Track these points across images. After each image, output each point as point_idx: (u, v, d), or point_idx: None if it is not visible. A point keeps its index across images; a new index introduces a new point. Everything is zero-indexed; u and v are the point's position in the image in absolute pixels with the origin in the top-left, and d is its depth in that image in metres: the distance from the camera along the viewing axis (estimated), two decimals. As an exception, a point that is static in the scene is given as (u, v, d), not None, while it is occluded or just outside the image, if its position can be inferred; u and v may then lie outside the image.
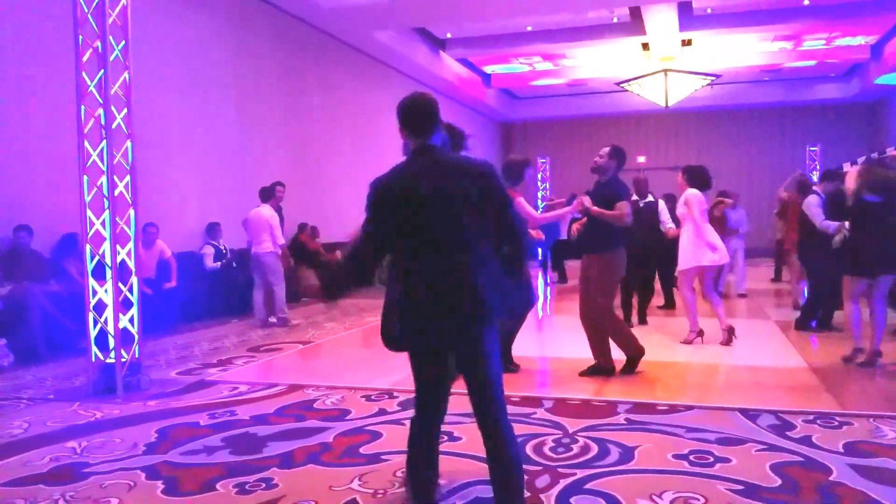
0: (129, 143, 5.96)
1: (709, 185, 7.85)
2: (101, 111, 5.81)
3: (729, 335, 7.52)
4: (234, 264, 10.48)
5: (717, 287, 9.80)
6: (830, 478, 3.74)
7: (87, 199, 5.81)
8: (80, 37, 5.78)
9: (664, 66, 16.57)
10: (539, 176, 23.06)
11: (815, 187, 8.53)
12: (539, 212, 8.72)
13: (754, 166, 22.29)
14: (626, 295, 8.83)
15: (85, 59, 5.81)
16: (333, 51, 14.25)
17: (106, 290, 5.83)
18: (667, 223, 9.00)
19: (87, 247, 5.82)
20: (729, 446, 4.25)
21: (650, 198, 9.23)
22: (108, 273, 5.81)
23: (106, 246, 5.82)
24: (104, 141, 5.79)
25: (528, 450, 4.22)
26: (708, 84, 17.03)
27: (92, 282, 5.82)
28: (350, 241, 3.39)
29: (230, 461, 4.15)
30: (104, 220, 5.82)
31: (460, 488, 3.64)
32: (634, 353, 6.21)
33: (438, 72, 17.27)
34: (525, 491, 3.01)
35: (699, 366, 6.82)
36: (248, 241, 9.45)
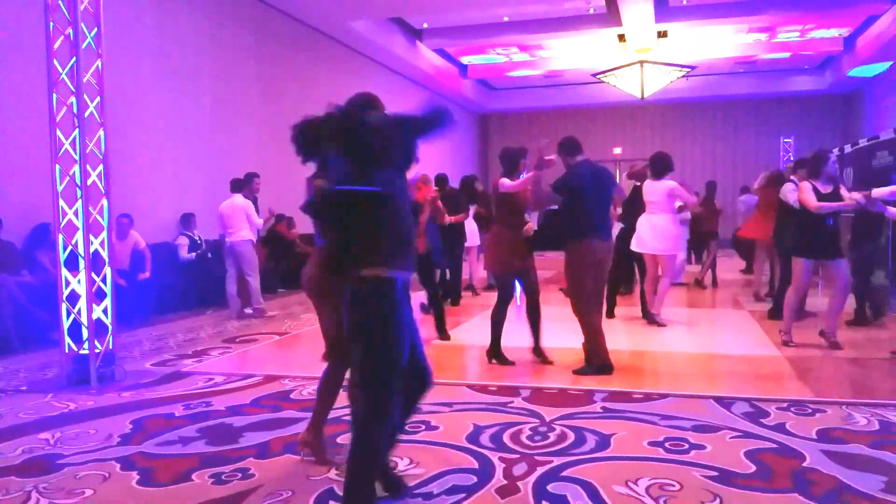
0: (101, 132, 5.89)
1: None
2: (73, 99, 5.72)
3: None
4: (209, 255, 10.41)
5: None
6: (804, 464, 3.79)
7: (60, 188, 5.73)
8: (52, 23, 5.69)
9: (640, 58, 16.62)
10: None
11: (791, 176, 8.64)
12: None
13: (728, 158, 22.48)
14: (612, 288, 8.80)
15: (56, 46, 5.72)
16: (309, 40, 14.16)
17: (79, 281, 5.76)
18: None
19: (60, 237, 5.75)
20: (704, 433, 4.29)
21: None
22: (82, 263, 5.74)
23: (79, 236, 5.74)
24: (77, 129, 5.71)
25: (506, 438, 4.23)
26: (683, 76, 17.10)
27: (65, 272, 5.75)
28: None
29: (206, 452, 4.12)
30: (77, 209, 5.75)
31: (437, 476, 3.65)
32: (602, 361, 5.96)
33: (415, 62, 17.22)
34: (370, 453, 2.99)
35: (674, 354, 6.88)
36: (222, 231, 9.39)
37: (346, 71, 15.42)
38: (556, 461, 3.84)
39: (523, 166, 6.33)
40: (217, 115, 11.39)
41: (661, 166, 8.09)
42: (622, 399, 5.09)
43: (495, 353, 6.36)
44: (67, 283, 5.76)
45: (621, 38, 16.53)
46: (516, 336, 6.61)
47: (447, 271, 10.13)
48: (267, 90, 12.70)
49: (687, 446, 4.07)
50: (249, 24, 12.28)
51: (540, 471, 3.70)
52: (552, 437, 4.26)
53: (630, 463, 3.83)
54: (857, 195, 6.69)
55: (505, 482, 3.56)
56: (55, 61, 5.70)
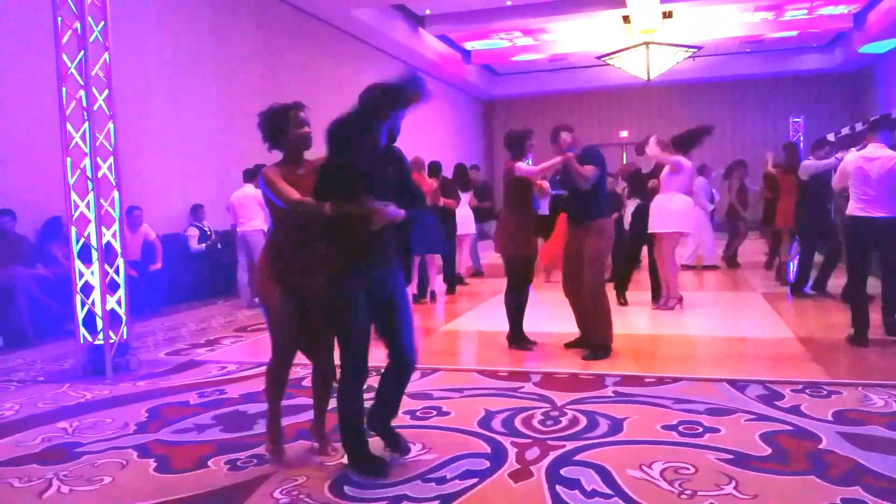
0: (111, 125, 5.92)
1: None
2: (82, 93, 5.75)
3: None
4: (219, 245, 10.44)
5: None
6: (820, 446, 3.78)
7: (71, 181, 5.77)
8: (59, 18, 5.71)
9: (645, 39, 16.49)
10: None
11: (810, 156, 8.66)
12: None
13: (736, 138, 22.34)
14: (626, 271, 8.80)
15: (64, 40, 5.74)
16: (313, 30, 14.12)
17: (92, 273, 5.81)
18: None
19: (73, 229, 5.78)
20: (718, 416, 4.28)
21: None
22: (95, 255, 5.79)
23: (91, 228, 5.78)
24: (86, 123, 5.74)
25: (517, 423, 4.25)
26: (689, 56, 16.98)
27: (78, 264, 5.79)
28: None
29: (221, 438, 4.17)
30: (88, 202, 5.78)
31: (450, 461, 3.67)
32: (604, 341, 6.00)
33: (418, 49, 17.15)
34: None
35: (686, 338, 6.88)
36: (233, 221, 9.41)
37: (349, 59, 15.37)
38: (569, 445, 3.85)
39: (529, 148, 6.31)
40: (224, 105, 11.38)
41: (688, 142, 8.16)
42: (634, 383, 5.09)
43: (516, 338, 6.35)
44: (81, 275, 5.80)
45: (626, 19, 16.41)
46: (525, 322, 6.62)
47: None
48: (272, 80, 12.67)
49: (701, 430, 4.06)
50: (253, 14, 12.25)
51: (553, 455, 3.71)
52: (564, 421, 4.28)
53: (644, 447, 3.83)
54: None
55: (518, 467, 3.58)
56: (64, 55, 5.72)
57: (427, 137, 16.95)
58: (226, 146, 11.28)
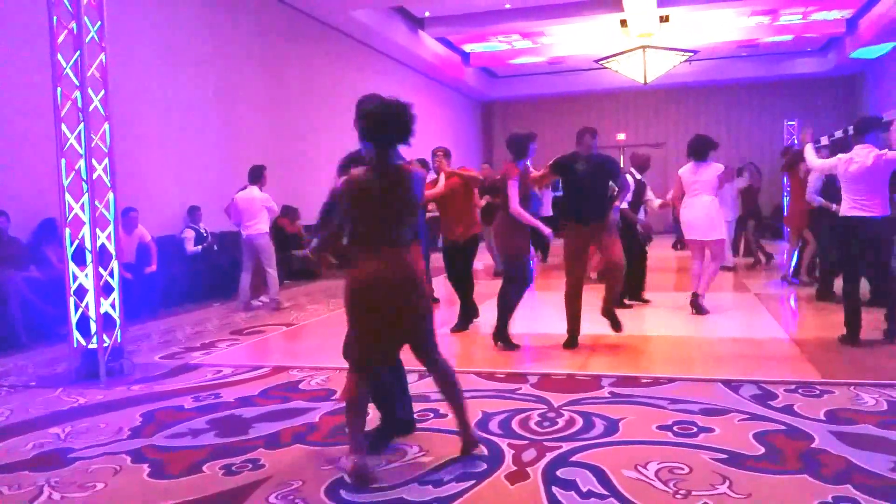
0: (106, 126, 5.89)
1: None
2: (77, 94, 5.72)
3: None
4: (216, 247, 10.42)
5: None
6: (813, 445, 3.80)
7: (66, 182, 5.73)
8: (55, 18, 5.69)
9: (642, 43, 16.52)
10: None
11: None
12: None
13: (732, 142, 22.36)
14: (638, 269, 8.69)
15: (60, 40, 5.71)
16: (311, 31, 14.11)
17: (86, 275, 5.77)
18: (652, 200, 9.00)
19: (67, 231, 5.75)
20: (712, 416, 4.30)
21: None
22: (89, 257, 5.75)
23: (85, 230, 5.75)
24: (81, 124, 5.71)
25: (514, 425, 4.25)
26: (686, 60, 17.01)
27: (72, 267, 5.76)
28: None
29: (216, 443, 4.14)
30: (83, 203, 5.75)
31: (447, 464, 3.67)
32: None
33: (417, 51, 17.14)
34: None
35: (681, 339, 6.88)
36: (237, 223, 9.36)
37: (348, 61, 15.36)
38: (565, 447, 3.85)
39: (532, 150, 6.33)
40: (221, 107, 11.36)
41: (705, 147, 7.98)
42: (630, 384, 5.10)
43: (502, 336, 6.38)
44: (75, 278, 5.78)
45: (623, 23, 16.44)
46: (519, 322, 6.62)
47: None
48: (270, 81, 12.66)
49: (695, 430, 4.08)
50: (251, 15, 12.24)
51: (549, 456, 3.71)
52: (560, 422, 4.28)
53: (639, 447, 3.84)
54: None
55: (514, 468, 3.58)
56: (59, 56, 5.69)
57: (425, 139, 16.92)
58: (223, 148, 11.27)
